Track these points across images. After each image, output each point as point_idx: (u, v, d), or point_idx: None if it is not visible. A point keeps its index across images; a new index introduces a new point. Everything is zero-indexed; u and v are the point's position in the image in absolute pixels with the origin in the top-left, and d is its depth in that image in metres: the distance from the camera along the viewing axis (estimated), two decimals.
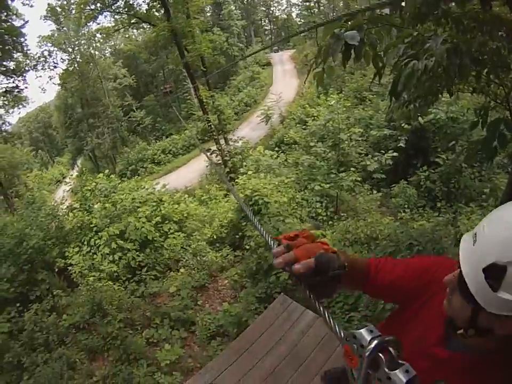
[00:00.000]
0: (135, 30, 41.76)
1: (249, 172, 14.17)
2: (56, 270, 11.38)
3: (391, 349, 0.90)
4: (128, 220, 12.18)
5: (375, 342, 0.90)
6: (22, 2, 24.15)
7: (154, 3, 26.81)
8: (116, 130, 42.61)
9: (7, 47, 23.49)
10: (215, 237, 12.45)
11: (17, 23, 24.14)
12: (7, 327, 8.60)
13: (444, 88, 4.61)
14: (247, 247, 9.89)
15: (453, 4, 3.65)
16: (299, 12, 62.39)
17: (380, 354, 0.89)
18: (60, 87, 41.79)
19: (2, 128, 26.27)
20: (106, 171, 16.73)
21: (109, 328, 8.01)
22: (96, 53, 45.47)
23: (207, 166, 25.44)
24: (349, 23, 3.46)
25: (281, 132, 27.92)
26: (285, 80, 43.37)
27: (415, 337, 1.40)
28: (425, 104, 4.87)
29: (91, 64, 42.82)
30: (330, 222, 12.31)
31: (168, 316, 8.62)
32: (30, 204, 15.21)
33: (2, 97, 25.87)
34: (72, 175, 22.69)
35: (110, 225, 12.13)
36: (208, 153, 22.91)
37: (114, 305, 8.76)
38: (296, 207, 12.87)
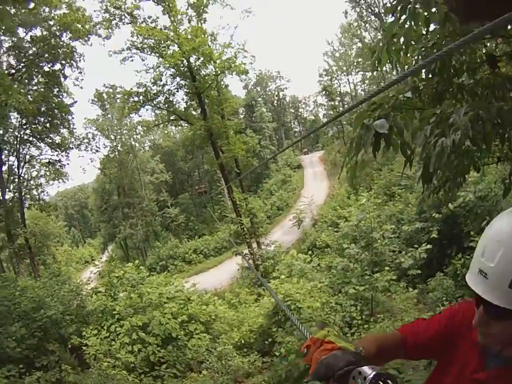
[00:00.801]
0: (173, 127, 44.41)
1: (282, 276, 14.11)
2: (70, 346, 11.03)
3: (389, 381, 1.01)
4: (153, 313, 11.98)
5: (375, 372, 1.03)
6: (73, 82, 26.12)
7: (192, 102, 28.79)
8: (150, 223, 43.51)
9: (55, 121, 25.15)
10: (243, 341, 12.19)
11: (67, 100, 26.06)
12: (3, 383, 8.16)
13: (471, 166, 4.55)
14: (277, 353, 9.45)
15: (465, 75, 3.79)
16: (325, 112, 65.22)
17: (380, 382, 1.00)
18: (99, 171, 43.23)
19: (40, 197, 27.01)
20: (136, 262, 16.79)
21: None
22: (136, 144, 48.10)
23: (238, 269, 25.22)
24: (376, 112, 3.54)
25: (313, 235, 27.85)
26: (315, 183, 44.26)
27: (455, 374, 1.44)
28: (455, 186, 4.77)
29: (131, 155, 45.08)
30: (366, 326, 11.64)
31: None
32: (55, 276, 15.38)
33: (44, 168, 27.19)
34: (101, 258, 22.88)
35: (133, 315, 11.90)
36: (240, 257, 23.37)
37: None
38: (329, 312, 12.45)
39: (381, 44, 4.31)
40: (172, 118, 30.06)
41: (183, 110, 29.42)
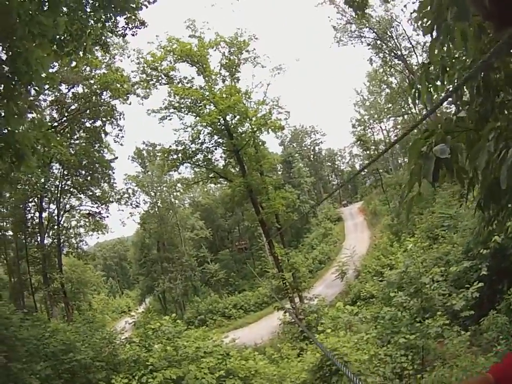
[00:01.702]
0: (212, 185, 44.93)
1: (328, 330, 13.57)
2: None
3: None
4: (189, 367, 11.34)
5: None
6: (113, 139, 26.66)
7: (231, 159, 29.12)
8: (189, 278, 43.14)
9: (96, 175, 25.99)
10: None
11: (107, 156, 27.12)
12: None
13: None
14: None
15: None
16: (361, 162, 64.66)
17: None
18: (139, 226, 44.06)
19: (78, 245, 27.51)
20: (174, 315, 16.30)
21: None
22: (176, 201, 48.61)
23: (280, 324, 24.27)
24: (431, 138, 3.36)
25: (357, 287, 26.87)
26: (356, 234, 43.53)
27: None
28: (510, 213, 4.31)
29: (170, 211, 45.61)
30: (418, 376, 10.59)
31: None
32: (89, 322, 15.19)
33: (84, 218, 27.86)
34: (138, 309, 22.53)
35: (167, 368, 11.19)
36: (282, 311, 22.89)
37: None
38: (378, 364, 11.60)
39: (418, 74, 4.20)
40: (211, 175, 30.57)
41: (222, 167, 29.94)
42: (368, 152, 53.28)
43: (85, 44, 9.84)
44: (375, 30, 32.31)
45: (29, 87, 7.26)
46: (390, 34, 32.72)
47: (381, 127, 55.29)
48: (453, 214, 17.77)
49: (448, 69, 3.99)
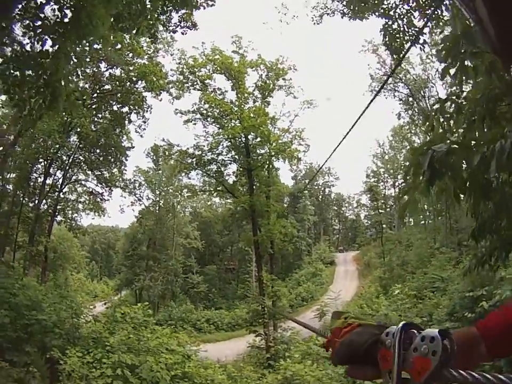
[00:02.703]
0: (216, 200, 45.02)
1: (296, 355, 13.80)
2: (48, 356, 10.37)
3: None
4: (147, 357, 11.25)
5: (402, 323, 0.91)
6: (135, 129, 26.94)
7: (242, 178, 29.43)
8: (170, 282, 42.79)
9: (109, 157, 26.25)
10: None
11: (125, 143, 27.43)
12: None
13: None
14: None
15: None
16: (367, 213, 64.53)
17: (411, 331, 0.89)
18: (136, 220, 44.00)
19: (73, 217, 27.70)
20: (146, 303, 16.28)
21: None
22: (178, 206, 48.73)
23: (247, 347, 24.12)
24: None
25: None
26: (345, 281, 43.37)
27: None
28: (501, 257, 4.43)
29: (170, 214, 45.70)
30: None
31: None
32: (60, 288, 14.91)
33: (85, 195, 28.11)
34: (111, 298, 22.38)
35: (125, 352, 11.12)
36: (253, 336, 23.47)
37: None
38: None
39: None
40: (219, 188, 30.73)
41: (231, 183, 30.21)
42: (376, 203, 53.36)
43: (139, 26, 10.38)
44: (409, 87, 32.90)
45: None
46: (423, 94, 33.28)
47: (394, 183, 55.48)
48: (444, 277, 17.67)
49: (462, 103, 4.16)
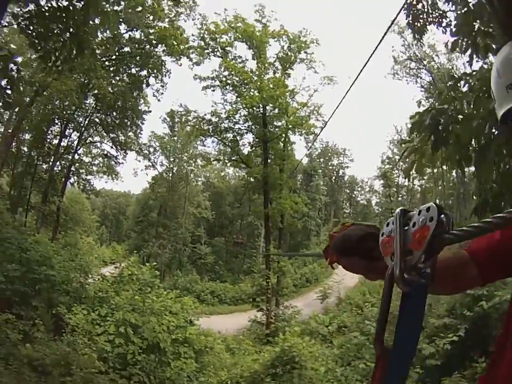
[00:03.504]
0: (230, 171, 44.73)
1: (296, 328, 13.95)
2: (54, 312, 10.50)
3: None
4: (150, 318, 11.41)
5: (400, 208, 0.92)
6: (153, 93, 26.75)
7: (257, 148, 29.39)
8: (178, 251, 43.13)
9: (125, 120, 26.11)
10: (229, 382, 11.65)
11: (142, 107, 27.31)
12: None
13: None
14: None
15: None
16: (378, 200, 63.94)
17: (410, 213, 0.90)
18: (148, 186, 44.20)
19: (86, 178, 27.69)
20: (154, 263, 16.50)
21: None
22: (191, 175, 48.72)
23: (248, 321, 24.47)
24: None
25: (334, 313, 26.42)
26: None
27: None
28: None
29: (183, 182, 45.66)
30: None
31: None
32: (71, 246, 14.87)
33: (100, 158, 28.22)
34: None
35: (129, 312, 11.21)
36: (255, 311, 23.87)
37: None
38: (332, 380, 11.50)
39: None
40: (233, 158, 30.74)
41: (246, 154, 30.09)
42: (388, 190, 52.72)
43: None
44: (432, 75, 31.95)
45: None
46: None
47: None
48: None
49: None
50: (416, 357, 12.78)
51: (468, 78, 4.20)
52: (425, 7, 8.13)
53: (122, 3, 20.09)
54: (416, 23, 8.26)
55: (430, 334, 14.56)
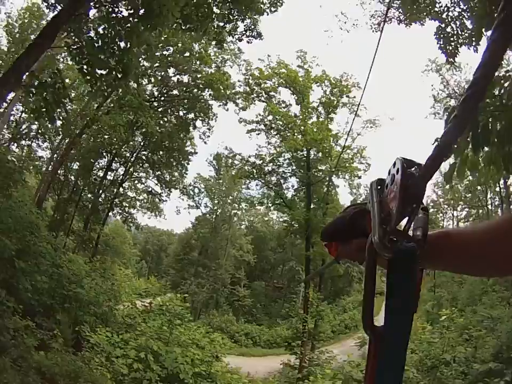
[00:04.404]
0: (273, 216, 44.61)
1: (327, 371, 13.32)
2: (77, 329, 10.66)
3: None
4: (174, 348, 11.41)
5: (377, 178, 0.86)
6: (199, 135, 27.81)
7: (300, 193, 29.42)
8: (216, 291, 43.01)
9: (171, 160, 27.00)
10: None
11: (188, 148, 28.29)
12: None
13: None
14: None
15: None
16: None
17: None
18: (191, 226, 45.30)
19: (128, 211, 28.29)
20: (185, 295, 16.53)
21: None
22: (235, 218, 49.19)
23: (280, 364, 23.63)
24: None
25: None
26: None
27: None
28: None
29: (226, 224, 45.99)
30: None
31: None
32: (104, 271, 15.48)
33: (144, 194, 29.08)
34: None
35: (154, 340, 11.31)
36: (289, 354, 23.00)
37: None
38: None
39: None
40: (277, 201, 30.83)
41: (290, 198, 30.32)
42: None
43: (205, 27, 11.02)
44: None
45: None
46: None
47: (453, 214, 52.47)
48: (494, 316, 16.45)
49: None
50: None
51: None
52: (454, 29, 8.17)
53: (171, 49, 21.73)
54: (447, 46, 8.23)
55: (472, 381, 13.55)
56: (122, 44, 7.96)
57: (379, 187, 0.82)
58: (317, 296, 26.06)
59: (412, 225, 0.75)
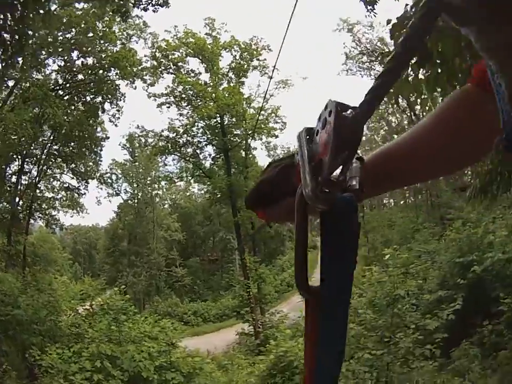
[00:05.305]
0: (195, 190, 44.64)
1: (287, 331, 13.62)
2: (27, 355, 9.87)
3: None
4: (128, 347, 10.84)
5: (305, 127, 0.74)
6: (109, 118, 26.09)
7: (218, 160, 29.57)
8: (154, 277, 42.04)
9: (83, 149, 25.20)
10: None
11: (99, 134, 26.51)
12: None
13: None
14: None
15: None
16: None
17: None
18: (115, 215, 43.59)
19: (50, 212, 26.33)
20: (123, 287, 15.85)
21: None
22: (157, 199, 47.91)
23: (236, 335, 23.92)
24: None
25: None
26: None
27: None
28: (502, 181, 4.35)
29: (149, 206, 44.67)
30: None
31: None
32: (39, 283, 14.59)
33: (62, 192, 27.07)
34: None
35: (105, 343, 10.63)
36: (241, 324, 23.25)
37: None
38: (340, 378, 11.01)
39: None
40: (196, 173, 30.58)
41: (209, 167, 30.07)
42: None
43: None
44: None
45: None
46: None
47: None
48: (430, 250, 17.58)
49: None
50: (424, 336, 12.58)
51: None
52: None
53: (74, 30, 20.01)
54: None
55: (426, 311, 14.34)
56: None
57: (307, 136, 0.70)
58: (254, 259, 26.46)
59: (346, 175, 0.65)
